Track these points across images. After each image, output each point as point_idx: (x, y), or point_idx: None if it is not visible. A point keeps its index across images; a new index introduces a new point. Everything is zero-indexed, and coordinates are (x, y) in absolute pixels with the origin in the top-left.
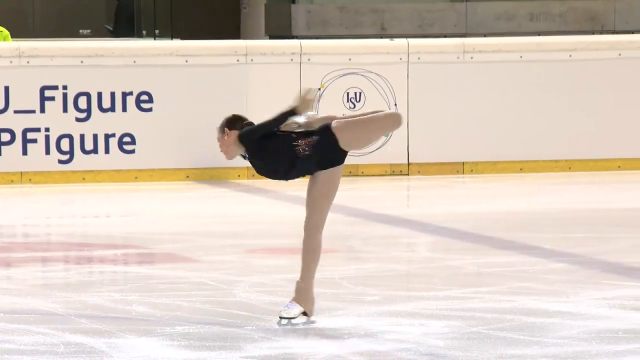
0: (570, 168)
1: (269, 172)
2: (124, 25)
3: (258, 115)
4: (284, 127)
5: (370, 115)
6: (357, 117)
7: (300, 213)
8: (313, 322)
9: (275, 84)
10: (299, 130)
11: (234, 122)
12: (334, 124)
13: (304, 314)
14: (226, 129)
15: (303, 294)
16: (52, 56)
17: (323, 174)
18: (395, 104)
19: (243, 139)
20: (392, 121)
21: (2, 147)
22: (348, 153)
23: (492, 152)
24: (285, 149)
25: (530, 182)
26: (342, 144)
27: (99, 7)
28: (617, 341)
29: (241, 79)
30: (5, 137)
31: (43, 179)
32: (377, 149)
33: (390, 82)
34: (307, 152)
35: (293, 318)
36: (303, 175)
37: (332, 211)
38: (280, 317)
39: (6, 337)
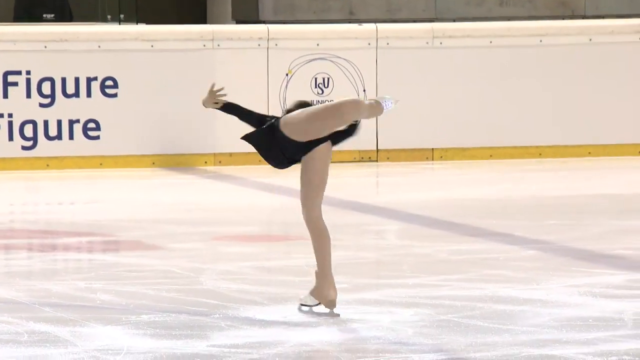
0: (540, 154)
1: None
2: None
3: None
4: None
5: (324, 105)
6: (311, 109)
7: (267, 200)
8: (337, 314)
9: (243, 70)
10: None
11: None
12: (282, 119)
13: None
14: None
15: (321, 285)
16: (14, 41)
17: (304, 163)
18: (364, 90)
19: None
20: (350, 107)
21: None
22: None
23: (461, 138)
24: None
25: (500, 169)
26: (291, 135)
27: None
28: (587, 329)
29: (208, 65)
30: None
31: (6, 166)
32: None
33: (359, 67)
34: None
35: (312, 306)
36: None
37: (299, 197)
38: (300, 304)
39: None
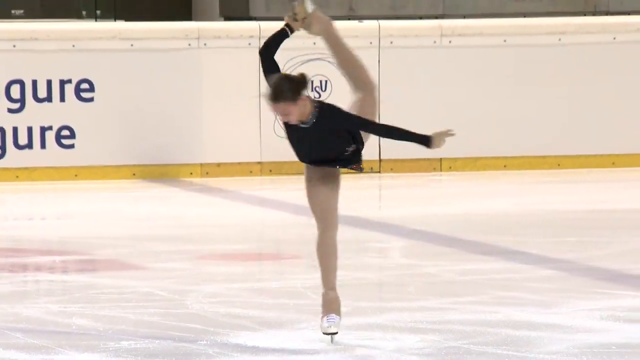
0: (559, 165)
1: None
2: None
3: (213, 108)
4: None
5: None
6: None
7: (259, 215)
8: (336, 341)
9: (232, 71)
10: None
11: (299, 86)
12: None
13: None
14: (302, 96)
15: (335, 302)
16: None
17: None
18: None
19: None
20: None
21: None
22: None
23: (473, 147)
24: (340, 144)
25: (514, 181)
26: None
27: None
28: (610, 356)
29: (193, 66)
30: None
31: None
32: None
33: None
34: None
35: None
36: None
37: (296, 213)
38: (328, 334)
39: None
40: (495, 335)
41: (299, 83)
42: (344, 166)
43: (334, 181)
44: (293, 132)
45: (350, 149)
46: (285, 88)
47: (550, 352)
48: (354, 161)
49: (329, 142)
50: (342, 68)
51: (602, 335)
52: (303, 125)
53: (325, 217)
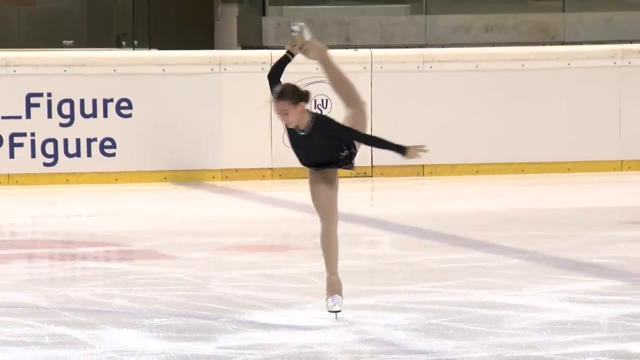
0: (523, 170)
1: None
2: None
3: (231, 123)
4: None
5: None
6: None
7: (270, 212)
8: (335, 319)
9: (247, 92)
10: (296, 35)
11: (301, 95)
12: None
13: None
14: (301, 103)
15: (337, 284)
16: (37, 65)
17: (331, 170)
18: None
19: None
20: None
21: None
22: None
23: (450, 155)
24: (334, 149)
25: (486, 184)
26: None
27: (82, 18)
28: (566, 332)
29: (215, 87)
30: None
31: (29, 181)
32: None
33: None
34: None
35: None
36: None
37: (302, 210)
38: (333, 312)
39: None
40: (469, 314)
41: (301, 93)
42: (338, 167)
43: (333, 182)
44: (294, 139)
45: (344, 154)
46: (289, 91)
47: (516, 328)
48: (346, 163)
49: (324, 148)
50: (335, 88)
51: (560, 314)
52: (301, 133)
53: (326, 212)
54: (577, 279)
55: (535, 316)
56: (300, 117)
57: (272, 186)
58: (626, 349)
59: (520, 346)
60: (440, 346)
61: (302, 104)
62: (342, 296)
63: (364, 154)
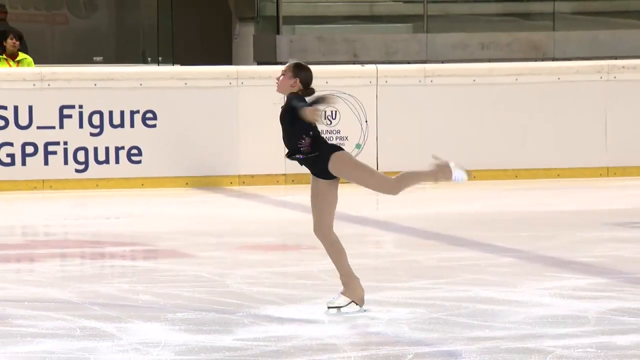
0: (516, 176)
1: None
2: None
3: (247, 132)
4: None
5: (378, 173)
6: (364, 166)
7: (283, 214)
8: (365, 310)
9: (263, 104)
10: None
11: (301, 70)
12: (338, 154)
13: (355, 303)
14: (297, 80)
15: (349, 285)
16: (69, 79)
17: (323, 182)
18: (366, 121)
19: (293, 100)
20: (385, 188)
21: (27, 158)
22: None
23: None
24: (295, 136)
25: (482, 188)
26: (331, 169)
27: (110, 36)
28: (557, 325)
29: (233, 100)
30: (29, 149)
31: (62, 186)
32: None
33: (362, 102)
34: (306, 150)
35: (339, 307)
36: (301, 165)
37: (311, 213)
38: (328, 307)
39: (30, 322)
40: (467, 308)
41: (302, 72)
42: (304, 155)
43: (323, 193)
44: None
45: (305, 142)
46: (295, 65)
47: (510, 322)
48: (308, 152)
49: (289, 133)
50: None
51: (551, 309)
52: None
53: (314, 223)
54: (566, 276)
55: (528, 310)
56: (286, 89)
57: (285, 190)
58: (613, 341)
59: (514, 338)
60: (441, 338)
61: (297, 80)
62: (343, 296)
63: (370, 161)
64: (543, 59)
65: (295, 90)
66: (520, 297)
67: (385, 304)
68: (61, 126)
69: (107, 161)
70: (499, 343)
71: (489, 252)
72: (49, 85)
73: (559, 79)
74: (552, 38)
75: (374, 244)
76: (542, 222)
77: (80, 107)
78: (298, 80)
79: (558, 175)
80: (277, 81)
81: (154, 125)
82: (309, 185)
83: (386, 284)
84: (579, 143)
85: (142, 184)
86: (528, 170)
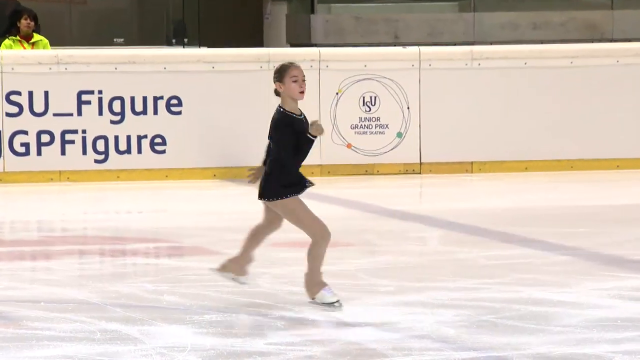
0: (572, 167)
1: None
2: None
3: None
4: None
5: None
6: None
7: (318, 209)
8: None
9: None
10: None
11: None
12: (279, 205)
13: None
14: (277, 83)
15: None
16: (88, 63)
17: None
18: (408, 107)
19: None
20: (319, 237)
21: (43, 147)
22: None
23: (498, 152)
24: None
25: (534, 180)
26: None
27: (132, 17)
28: (616, 329)
29: (264, 85)
30: (45, 138)
31: (80, 178)
32: (391, 149)
33: (403, 87)
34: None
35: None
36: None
37: (349, 207)
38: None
39: (46, 324)
40: (518, 310)
41: (277, 73)
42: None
43: (287, 215)
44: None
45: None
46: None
47: (565, 325)
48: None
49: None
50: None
51: (609, 311)
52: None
53: (308, 233)
54: (626, 276)
55: (584, 313)
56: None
57: (321, 183)
58: None
59: (570, 343)
60: (490, 343)
61: (277, 83)
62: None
63: (412, 151)
64: (601, 40)
65: (285, 99)
66: (576, 298)
67: (430, 306)
68: (79, 113)
69: (128, 151)
70: (553, 348)
71: (542, 250)
72: (66, 69)
73: (617, 61)
74: (611, 17)
75: (418, 240)
76: (600, 217)
77: (100, 92)
78: (277, 83)
79: (617, 166)
80: (303, 85)
81: (179, 113)
82: (345, 177)
83: (430, 283)
84: (638, 129)
85: (167, 176)
86: (584, 160)
